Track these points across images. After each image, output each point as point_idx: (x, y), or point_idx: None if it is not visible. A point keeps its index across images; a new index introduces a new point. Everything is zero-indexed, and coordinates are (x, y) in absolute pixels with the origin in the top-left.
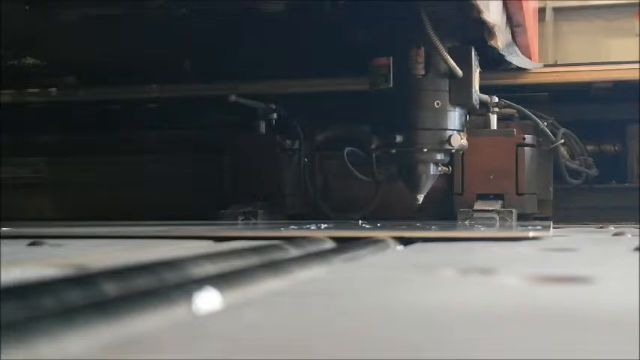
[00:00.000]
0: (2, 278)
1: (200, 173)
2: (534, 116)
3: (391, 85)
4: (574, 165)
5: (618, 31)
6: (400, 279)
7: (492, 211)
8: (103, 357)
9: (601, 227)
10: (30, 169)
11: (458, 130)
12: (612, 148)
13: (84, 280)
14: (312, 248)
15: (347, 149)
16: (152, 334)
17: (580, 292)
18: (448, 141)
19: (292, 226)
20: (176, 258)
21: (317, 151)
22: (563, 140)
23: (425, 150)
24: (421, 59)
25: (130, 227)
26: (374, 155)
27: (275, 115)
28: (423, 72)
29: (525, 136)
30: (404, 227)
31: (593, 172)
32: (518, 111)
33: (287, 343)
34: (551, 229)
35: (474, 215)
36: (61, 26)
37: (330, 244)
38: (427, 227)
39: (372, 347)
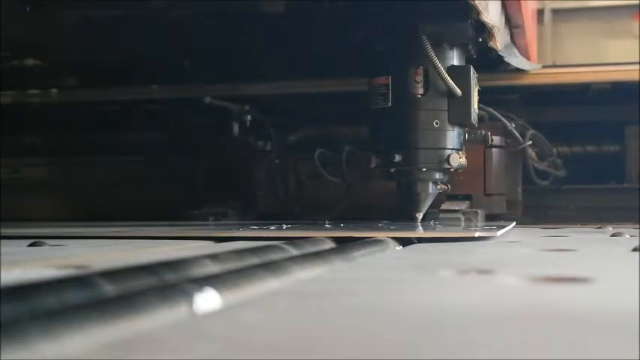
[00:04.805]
0: (2, 278)
1: (174, 174)
2: (503, 118)
3: (390, 104)
4: (542, 166)
5: (617, 33)
6: (400, 279)
7: (458, 211)
8: (103, 357)
9: (599, 228)
10: (9, 170)
11: (457, 149)
12: (611, 148)
13: (84, 280)
14: (312, 248)
15: (317, 151)
16: (152, 334)
17: (579, 292)
18: (447, 160)
19: (253, 227)
20: (176, 258)
21: (289, 152)
22: (531, 142)
23: (424, 169)
24: (420, 78)
25: (130, 227)
26: (344, 156)
27: (249, 117)
28: (421, 91)
29: (493, 137)
30: (375, 228)
31: (561, 173)
32: (488, 112)
33: (287, 343)
34: (505, 229)
35: (440, 215)
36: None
37: (329, 245)
38: (378, 227)
39: (372, 347)
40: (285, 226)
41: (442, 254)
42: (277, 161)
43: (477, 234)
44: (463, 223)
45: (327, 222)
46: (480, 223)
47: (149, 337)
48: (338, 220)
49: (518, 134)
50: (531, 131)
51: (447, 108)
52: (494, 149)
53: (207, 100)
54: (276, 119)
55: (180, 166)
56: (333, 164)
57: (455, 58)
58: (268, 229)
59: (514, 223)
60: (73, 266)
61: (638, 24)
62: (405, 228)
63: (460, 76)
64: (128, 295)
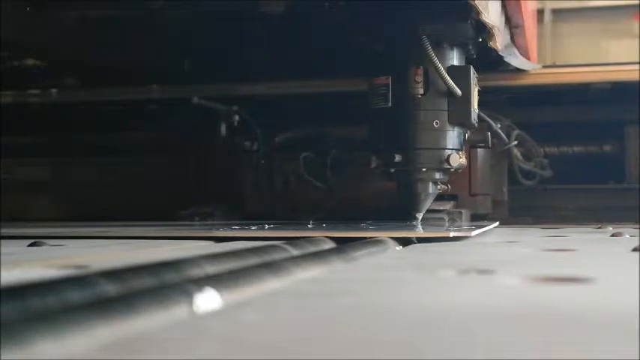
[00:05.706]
0: (2, 278)
1: (167, 175)
2: (488, 118)
3: (390, 104)
4: (527, 166)
5: (617, 33)
6: (400, 279)
7: (442, 211)
8: (103, 357)
9: (599, 227)
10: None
11: (457, 150)
12: (611, 148)
13: (84, 280)
14: (312, 248)
15: (302, 155)
16: (152, 334)
17: (579, 291)
18: (447, 160)
19: (234, 226)
20: (176, 258)
21: (279, 152)
22: (516, 142)
23: (424, 169)
24: (420, 78)
25: (130, 227)
26: (329, 160)
27: (237, 118)
28: (421, 91)
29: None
30: (353, 227)
31: (547, 173)
32: None
33: (287, 343)
34: (482, 229)
35: (425, 215)
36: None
37: (329, 245)
38: (363, 227)
39: (371, 347)
40: (267, 226)
41: (442, 254)
42: (263, 162)
43: (451, 234)
44: (447, 223)
45: (310, 222)
46: (465, 223)
47: (149, 337)
48: (322, 220)
49: (503, 134)
50: (517, 131)
51: (447, 108)
52: (479, 149)
53: (195, 100)
54: (271, 119)
55: (172, 167)
56: (319, 167)
57: (455, 58)
58: (249, 229)
59: (497, 222)
60: (73, 266)
61: (638, 24)
62: (383, 228)
63: (460, 76)
64: (128, 295)
